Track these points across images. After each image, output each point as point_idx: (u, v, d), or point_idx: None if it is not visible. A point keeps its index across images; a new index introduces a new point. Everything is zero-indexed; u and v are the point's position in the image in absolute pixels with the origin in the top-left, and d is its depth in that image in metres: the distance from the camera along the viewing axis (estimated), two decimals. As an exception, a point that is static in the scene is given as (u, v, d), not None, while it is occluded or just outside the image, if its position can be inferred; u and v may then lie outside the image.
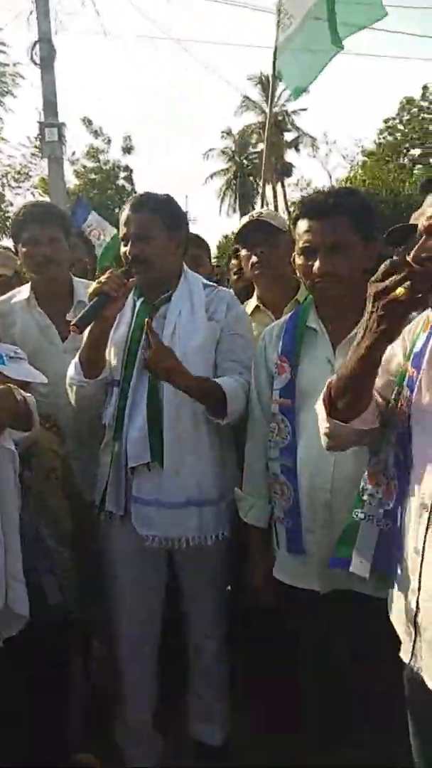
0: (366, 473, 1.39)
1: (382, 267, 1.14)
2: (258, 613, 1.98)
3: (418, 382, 1.27)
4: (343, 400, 1.33)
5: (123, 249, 1.92)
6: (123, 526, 1.92)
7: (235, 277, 3.62)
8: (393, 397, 1.34)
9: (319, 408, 1.38)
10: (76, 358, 1.90)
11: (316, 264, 1.60)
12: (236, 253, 3.61)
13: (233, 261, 3.64)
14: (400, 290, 1.10)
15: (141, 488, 1.87)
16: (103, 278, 1.80)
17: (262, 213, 2.23)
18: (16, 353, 1.84)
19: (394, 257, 1.14)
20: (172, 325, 1.89)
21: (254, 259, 2.18)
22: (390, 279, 1.12)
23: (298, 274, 1.72)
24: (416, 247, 1.18)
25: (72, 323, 1.77)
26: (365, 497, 1.36)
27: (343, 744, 1.71)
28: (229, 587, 2.17)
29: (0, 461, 1.59)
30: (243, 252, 2.26)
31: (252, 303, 2.33)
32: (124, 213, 1.92)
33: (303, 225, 1.63)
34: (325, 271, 1.59)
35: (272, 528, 1.76)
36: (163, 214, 1.87)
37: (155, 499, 1.85)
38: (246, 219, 2.24)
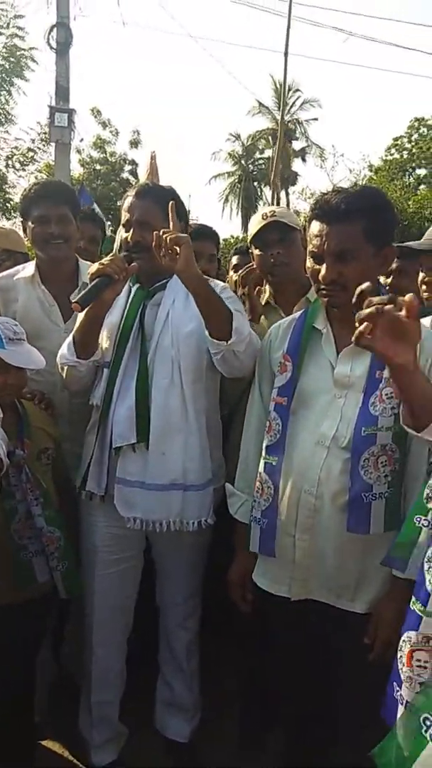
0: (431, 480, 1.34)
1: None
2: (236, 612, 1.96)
3: None
4: (403, 412, 1.33)
5: (124, 234, 1.92)
6: (103, 507, 1.93)
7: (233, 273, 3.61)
8: None
9: None
10: (70, 338, 1.90)
11: (322, 271, 1.56)
12: (237, 251, 3.61)
13: (234, 258, 3.64)
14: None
15: (126, 469, 1.86)
16: (106, 260, 1.80)
17: (275, 212, 2.18)
18: (16, 334, 1.82)
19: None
20: (165, 311, 1.91)
21: (271, 260, 2.15)
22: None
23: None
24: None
25: (74, 301, 1.77)
26: (430, 506, 1.30)
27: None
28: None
29: None
30: (257, 252, 2.21)
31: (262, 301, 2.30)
32: (128, 199, 1.93)
33: (314, 227, 1.58)
34: (331, 279, 1.55)
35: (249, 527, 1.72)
36: (165, 204, 1.85)
37: (139, 480, 1.85)
38: (260, 220, 2.18)
